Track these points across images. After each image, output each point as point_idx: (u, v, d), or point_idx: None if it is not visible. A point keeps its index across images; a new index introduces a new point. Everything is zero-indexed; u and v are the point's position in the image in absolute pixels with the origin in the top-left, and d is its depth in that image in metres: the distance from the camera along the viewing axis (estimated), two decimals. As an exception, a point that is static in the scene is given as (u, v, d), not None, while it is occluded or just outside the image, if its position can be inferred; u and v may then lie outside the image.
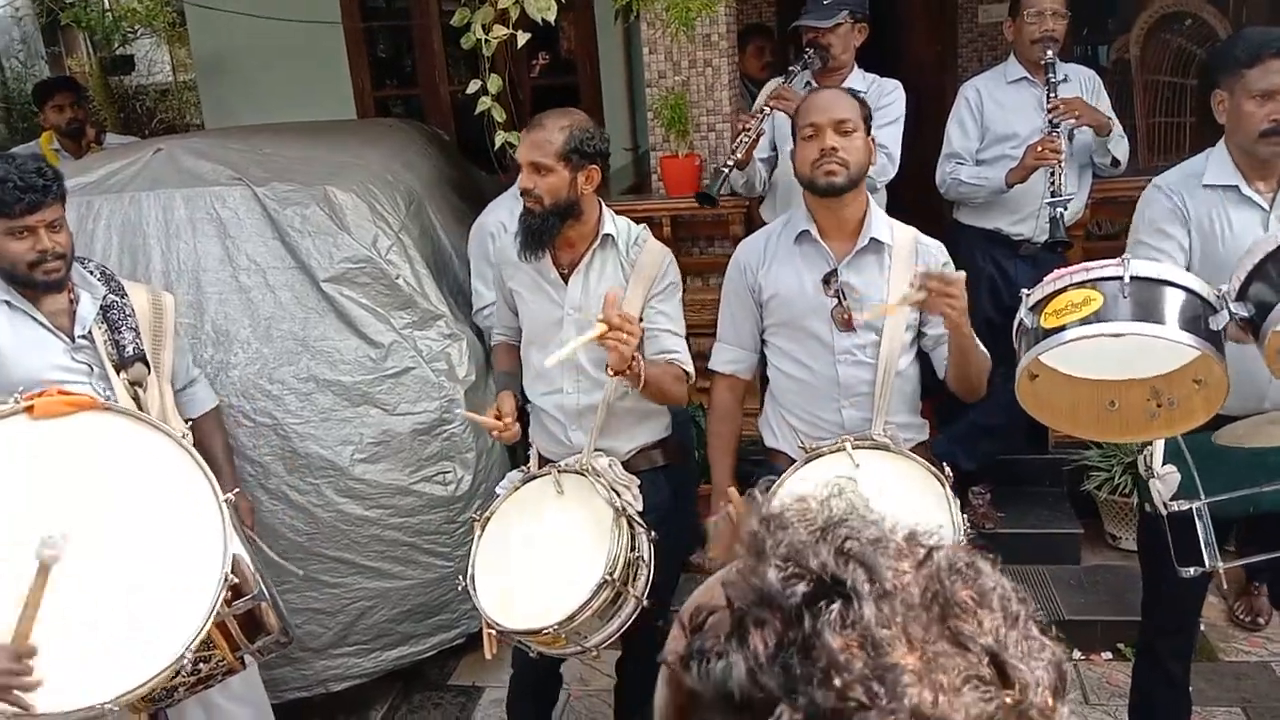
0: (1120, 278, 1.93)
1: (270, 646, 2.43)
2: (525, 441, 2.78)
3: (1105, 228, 4.21)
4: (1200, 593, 2.68)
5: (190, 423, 2.76)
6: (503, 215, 3.51)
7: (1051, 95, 3.40)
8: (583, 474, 2.53)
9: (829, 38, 3.49)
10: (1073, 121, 3.40)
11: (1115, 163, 3.55)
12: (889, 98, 3.49)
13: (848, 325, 2.46)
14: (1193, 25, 4.99)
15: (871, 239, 2.46)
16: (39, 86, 5.59)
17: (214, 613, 2.19)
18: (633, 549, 2.42)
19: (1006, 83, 3.64)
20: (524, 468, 2.72)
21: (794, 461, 2.47)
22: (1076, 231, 3.80)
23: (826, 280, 2.47)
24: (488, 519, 2.53)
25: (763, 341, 2.66)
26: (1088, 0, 5.88)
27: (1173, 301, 1.95)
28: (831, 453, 2.41)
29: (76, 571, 2.11)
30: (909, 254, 2.47)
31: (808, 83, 3.54)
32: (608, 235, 2.59)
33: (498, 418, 2.58)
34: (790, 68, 3.53)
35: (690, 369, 2.66)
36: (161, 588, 2.19)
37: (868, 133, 2.44)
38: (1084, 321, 1.93)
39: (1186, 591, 2.56)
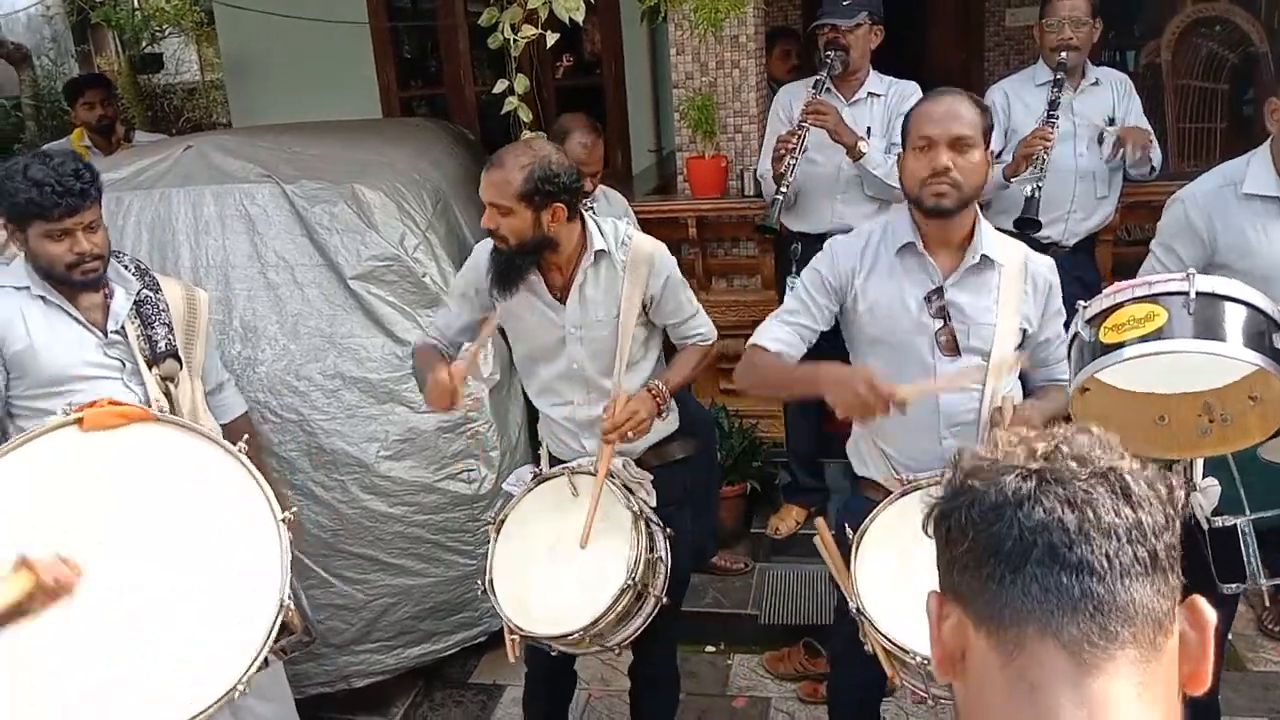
0: (1185, 293, 1.87)
1: (293, 646, 2.41)
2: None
3: (1135, 233, 4.17)
4: (1233, 605, 2.65)
5: (224, 428, 2.75)
6: None
7: (1055, 98, 3.41)
8: (592, 473, 2.50)
9: (849, 38, 3.47)
10: (1137, 152, 3.41)
11: (1153, 169, 3.53)
12: (910, 100, 3.46)
13: (953, 349, 2.27)
14: (1224, 30, 4.95)
15: (982, 255, 2.26)
16: (70, 84, 5.63)
17: (269, 643, 2.09)
18: (651, 549, 2.41)
19: (1035, 85, 3.62)
20: (534, 468, 2.69)
21: (887, 492, 2.30)
22: (1107, 236, 3.78)
23: (930, 298, 2.27)
24: (503, 521, 2.50)
25: (852, 359, 2.44)
26: (1115, 5, 5.85)
27: (1235, 318, 1.88)
28: (930, 486, 2.16)
29: (123, 593, 2.04)
30: (1019, 273, 2.29)
31: (827, 87, 3.52)
32: (600, 251, 2.50)
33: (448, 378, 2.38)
34: (817, 77, 3.49)
35: (713, 334, 2.66)
36: (213, 612, 2.09)
37: (988, 145, 2.23)
38: (1146, 338, 1.86)
39: (1219, 604, 2.52)
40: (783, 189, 3.37)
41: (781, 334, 2.38)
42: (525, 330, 2.59)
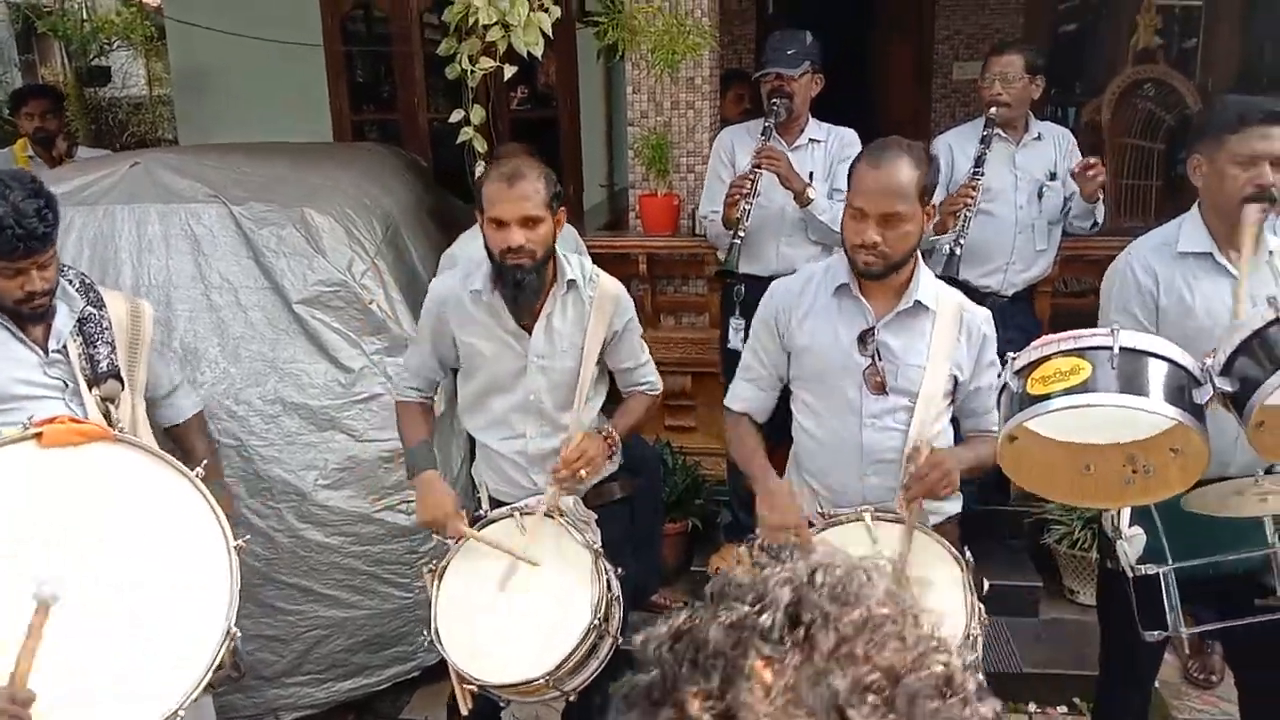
0: (1109, 348, 1.94)
1: (220, 681, 2.36)
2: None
3: (1072, 285, 4.29)
4: (1159, 653, 2.70)
5: (175, 429, 2.75)
6: (472, 247, 3.50)
7: (981, 154, 3.53)
8: (549, 515, 2.47)
9: (793, 85, 3.54)
10: (1098, 194, 3.51)
11: (1095, 225, 3.64)
12: (850, 149, 3.53)
13: (880, 388, 2.33)
14: (1161, 92, 5.13)
15: (916, 301, 2.33)
16: (15, 93, 5.53)
17: (213, 668, 2.09)
18: (609, 589, 2.39)
19: (978, 138, 3.70)
20: (468, 510, 2.65)
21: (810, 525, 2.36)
22: (1045, 287, 3.87)
23: (862, 338, 2.34)
24: (444, 569, 2.44)
25: (789, 395, 2.53)
26: (1059, 63, 6.03)
27: (1158, 373, 1.96)
28: (849, 522, 2.29)
29: (75, 611, 2.02)
30: (953, 321, 2.35)
31: (769, 130, 3.57)
32: (571, 280, 2.53)
33: (443, 517, 2.48)
34: (765, 124, 3.55)
35: (659, 385, 2.75)
36: (161, 634, 2.09)
37: (928, 201, 2.28)
38: (1070, 391, 1.93)
39: (1145, 651, 2.58)
40: (740, 232, 3.42)
41: (745, 392, 2.52)
42: (482, 361, 2.57)
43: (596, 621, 2.29)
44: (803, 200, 3.48)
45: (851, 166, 2.33)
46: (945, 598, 2.15)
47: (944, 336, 2.33)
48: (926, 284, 2.36)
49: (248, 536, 2.42)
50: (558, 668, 2.24)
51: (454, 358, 2.63)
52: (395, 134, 6.80)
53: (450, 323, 2.57)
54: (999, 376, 2.12)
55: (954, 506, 2.48)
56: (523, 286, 2.43)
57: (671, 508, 3.95)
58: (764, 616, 0.70)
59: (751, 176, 3.43)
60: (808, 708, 0.65)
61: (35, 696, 1.91)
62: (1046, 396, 1.98)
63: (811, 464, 2.45)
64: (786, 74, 3.53)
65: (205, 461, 2.40)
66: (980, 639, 2.21)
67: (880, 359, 2.32)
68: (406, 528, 3.30)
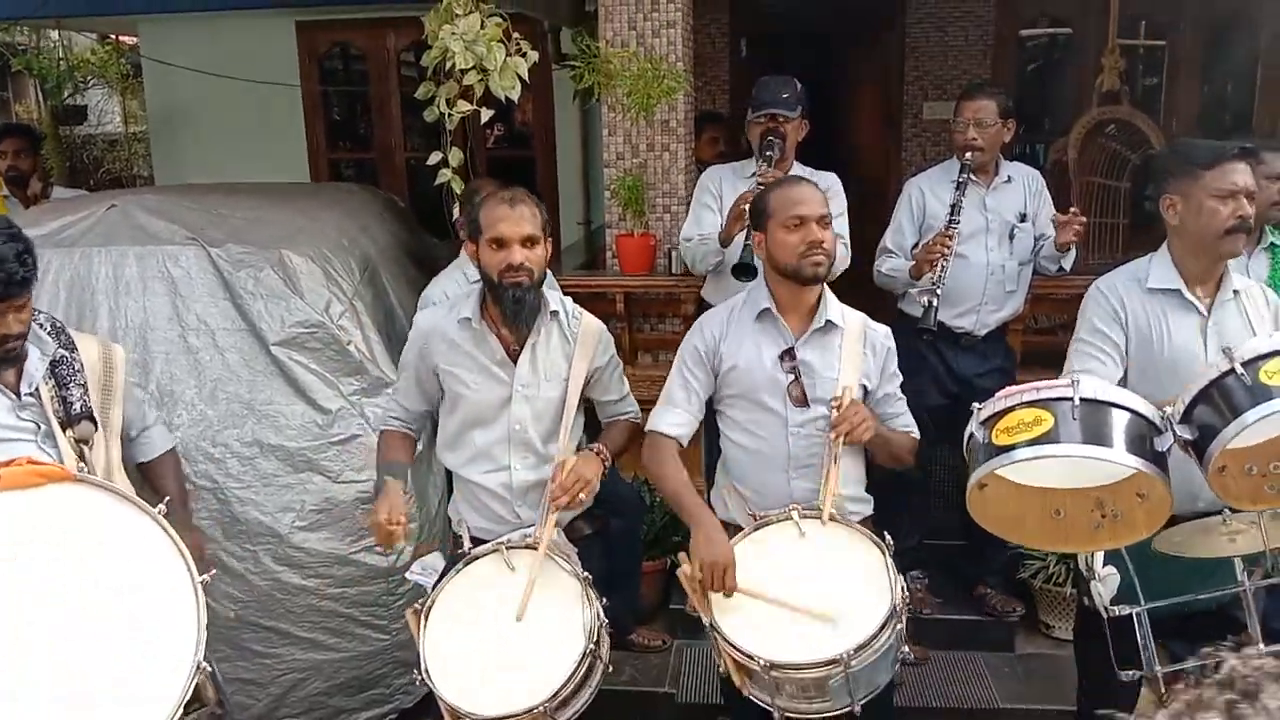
0: (1070, 399, 2.00)
1: (206, 718, 2.36)
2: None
3: (1042, 322, 4.36)
4: (1135, 689, 2.73)
5: (145, 465, 2.76)
6: (449, 287, 3.53)
7: (957, 202, 3.60)
8: (534, 548, 2.49)
9: (786, 127, 3.60)
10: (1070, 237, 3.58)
11: (1061, 270, 3.73)
12: (833, 190, 3.59)
13: (802, 401, 2.56)
14: (1126, 132, 5.24)
15: (827, 320, 2.59)
16: (-10, 131, 5.50)
17: (181, 705, 2.07)
18: (599, 615, 2.40)
19: (949, 181, 3.77)
20: (440, 556, 2.70)
21: (733, 530, 2.53)
22: (1017, 326, 3.93)
23: (783, 357, 2.58)
24: (430, 606, 2.43)
25: (716, 413, 2.72)
26: (1028, 101, 6.15)
27: (1119, 423, 2.03)
28: (779, 521, 2.49)
29: (39, 656, 2.02)
30: (859, 336, 2.63)
31: (754, 173, 3.62)
32: (554, 311, 2.64)
33: (390, 520, 2.46)
34: (755, 171, 3.57)
35: (640, 415, 2.85)
36: (128, 675, 2.07)
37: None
38: (1034, 442, 2.00)
39: (1122, 688, 2.60)
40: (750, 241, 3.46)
41: (676, 418, 2.67)
42: (465, 393, 2.61)
43: (590, 647, 2.31)
44: None
45: (764, 201, 2.61)
46: (872, 577, 2.34)
47: (852, 351, 2.60)
48: (833, 304, 2.64)
49: (214, 571, 2.41)
50: (554, 695, 2.24)
51: (436, 391, 2.68)
52: (371, 172, 6.83)
53: (434, 356, 2.63)
54: (970, 423, 2.18)
55: (868, 508, 2.69)
56: (523, 304, 2.53)
57: (650, 545, 3.95)
58: None
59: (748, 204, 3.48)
60: None
61: None
62: (1011, 447, 2.06)
63: (741, 471, 2.67)
64: (784, 115, 3.60)
65: (168, 499, 2.40)
66: (905, 610, 2.37)
67: (800, 374, 2.57)
68: (384, 569, 3.30)
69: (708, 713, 3.58)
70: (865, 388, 2.62)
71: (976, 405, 2.17)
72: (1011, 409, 2.07)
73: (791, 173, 3.69)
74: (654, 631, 3.94)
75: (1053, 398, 2.04)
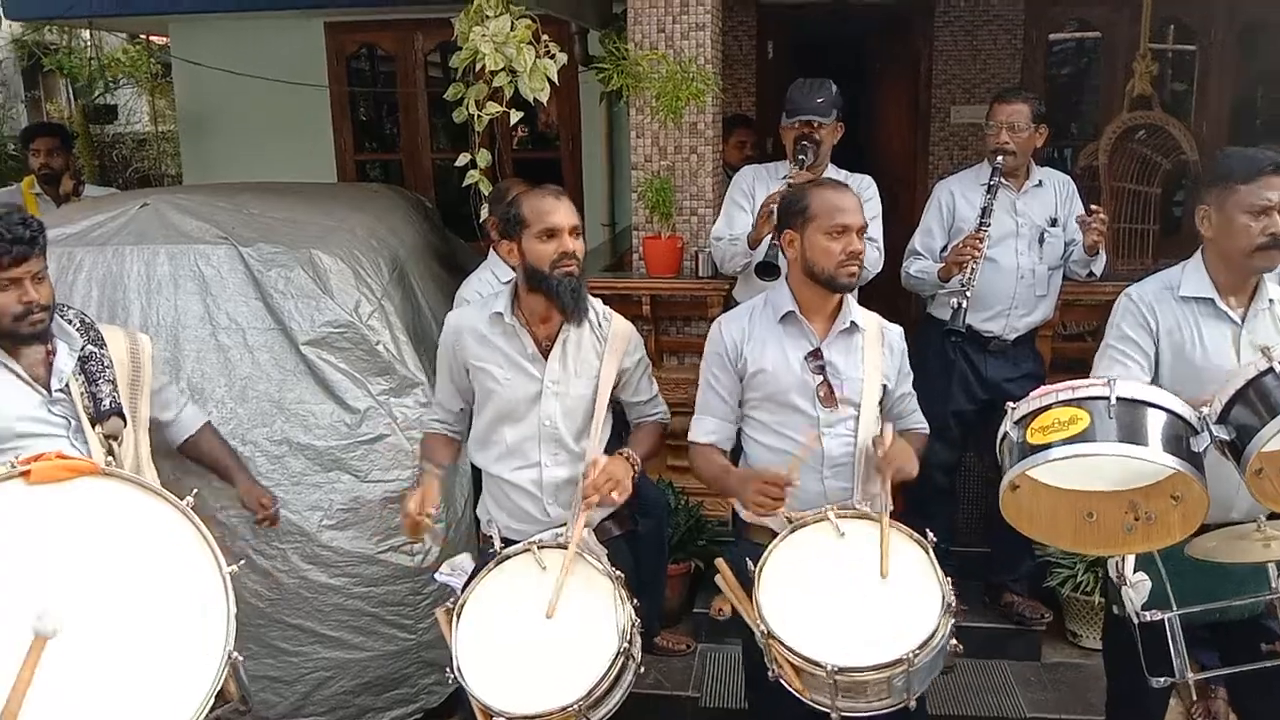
0: (1107, 398, 1.98)
1: (228, 715, 2.36)
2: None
3: (1071, 329, 4.33)
4: (1165, 698, 2.71)
5: (189, 440, 2.84)
6: (481, 288, 3.54)
7: (988, 204, 3.58)
8: (566, 548, 2.48)
9: (821, 132, 3.60)
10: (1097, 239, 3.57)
11: (1092, 275, 3.71)
12: (868, 193, 3.58)
13: (831, 401, 2.58)
14: (1157, 136, 5.19)
15: (851, 321, 2.62)
16: (25, 130, 5.57)
17: (211, 697, 2.10)
18: (633, 615, 2.40)
19: (979, 184, 3.75)
20: (469, 557, 2.69)
21: (773, 535, 2.51)
22: (1046, 332, 3.91)
23: (809, 358, 2.59)
24: (462, 606, 2.43)
25: (739, 416, 2.72)
26: (1051, 107, 6.12)
27: (1155, 423, 2.01)
28: (815, 522, 2.48)
29: (68, 647, 2.03)
30: (877, 337, 2.66)
31: (790, 179, 3.61)
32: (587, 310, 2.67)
33: (419, 511, 2.52)
34: (786, 176, 3.57)
35: (669, 417, 2.90)
36: (157, 667, 2.09)
37: None
38: (1069, 441, 1.98)
39: (1152, 697, 2.58)
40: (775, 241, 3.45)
41: (709, 426, 2.70)
42: (495, 388, 2.64)
43: (624, 645, 2.31)
44: None
45: (804, 203, 2.58)
46: (917, 574, 2.35)
47: (873, 351, 2.64)
48: (854, 305, 2.67)
49: (242, 561, 2.46)
50: (588, 694, 2.24)
51: (469, 388, 2.72)
52: (397, 173, 6.87)
53: (465, 351, 2.66)
54: (1004, 423, 2.17)
55: (890, 506, 2.65)
56: (579, 292, 2.57)
57: (674, 549, 3.95)
58: None
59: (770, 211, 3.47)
60: None
61: None
62: (1047, 446, 2.04)
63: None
64: (819, 121, 3.59)
65: (195, 490, 2.41)
66: (955, 604, 2.36)
67: (827, 375, 2.59)
68: (410, 569, 3.31)
69: (731, 717, 3.57)
70: (885, 386, 2.65)
71: (1011, 405, 2.15)
72: (1047, 408, 2.05)
73: (826, 174, 3.68)
74: (678, 635, 3.94)
75: (1089, 396, 2.02)
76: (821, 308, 2.62)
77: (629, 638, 2.33)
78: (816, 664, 2.22)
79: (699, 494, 4.19)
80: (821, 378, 2.58)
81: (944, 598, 2.29)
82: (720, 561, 2.52)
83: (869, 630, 2.26)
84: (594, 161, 6.44)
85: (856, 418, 2.59)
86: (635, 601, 2.45)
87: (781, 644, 2.28)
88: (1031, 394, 2.12)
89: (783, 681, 2.34)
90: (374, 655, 3.33)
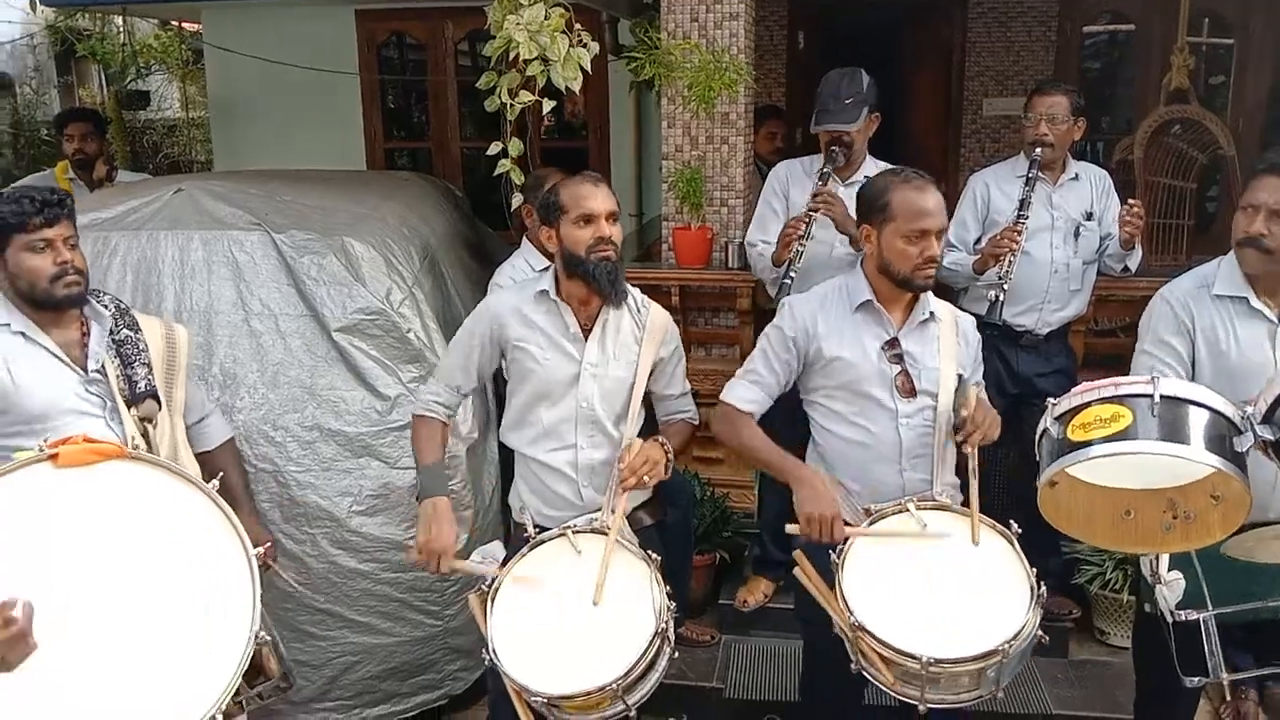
0: (1150, 395, 1.96)
1: (269, 692, 2.40)
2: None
3: (1103, 324, 4.29)
4: (1195, 698, 2.68)
5: (205, 455, 2.81)
6: (516, 275, 3.54)
7: (1025, 197, 3.55)
8: (602, 533, 2.50)
9: (852, 135, 3.56)
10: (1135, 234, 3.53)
11: (1127, 270, 3.67)
12: None
13: (910, 391, 2.57)
14: (1193, 131, 5.13)
15: (930, 312, 2.62)
16: (59, 115, 5.63)
17: (238, 678, 2.13)
18: (669, 597, 2.42)
19: (1015, 176, 3.72)
20: (501, 545, 2.70)
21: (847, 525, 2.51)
22: (1079, 327, 3.87)
23: (886, 348, 2.58)
24: (497, 589, 2.45)
25: (808, 405, 2.71)
26: (1085, 100, 6.06)
27: (1199, 421, 1.99)
28: (895, 513, 2.48)
29: (96, 630, 2.06)
30: (952, 327, 2.65)
31: (820, 169, 3.59)
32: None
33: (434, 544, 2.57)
34: (823, 169, 3.56)
35: (698, 417, 2.89)
36: (184, 649, 2.12)
37: None
38: (1111, 438, 1.97)
39: (1182, 697, 2.56)
40: (790, 273, 3.42)
41: (751, 394, 2.68)
42: (535, 368, 2.64)
43: (661, 626, 2.32)
44: (858, 244, 3.49)
45: (885, 197, 2.53)
46: (1003, 564, 2.35)
47: (948, 340, 2.62)
48: (930, 296, 2.66)
49: (269, 543, 2.46)
50: (626, 673, 2.25)
51: (490, 370, 2.73)
52: (425, 161, 6.88)
53: (507, 330, 2.65)
54: (1043, 418, 2.16)
55: (960, 496, 2.66)
56: (616, 276, 2.58)
57: (699, 540, 3.95)
58: None
59: (806, 219, 3.45)
60: None
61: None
62: (1087, 443, 2.02)
63: (846, 466, 2.64)
64: (845, 130, 3.55)
65: (221, 474, 2.46)
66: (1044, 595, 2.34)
67: (905, 365, 2.58)
68: (438, 556, 3.32)
69: (755, 709, 3.57)
70: (960, 375, 2.63)
71: (1051, 400, 2.14)
72: (1088, 405, 2.04)
73: (864, 168, 3.65)
74: (702, 626, 3.94)
75: (1131, 394, 2.01)
76: (898, 298, 2.61)
77: (665, 619, 2.34)
78: (911, 656, 2.22)
79: (725, 485, 4.20)
80: (899, 367, 2.57)
81: (1033, 588, 2.29)
82: (799, 554, 2.53)
83: (957, 622, 2.26)
84: (622, 151, 6.43)
85: (934, 408, 2.58)
86: (669, 586, 2.46)
87: (873, 636, 2.27)
88: (1073, 390, 2.10)
89: (867, 674, 2.34)
90: (401, 641, 3.35)
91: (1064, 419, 2.07)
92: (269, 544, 2.87)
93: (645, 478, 2.55)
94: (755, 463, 2.76)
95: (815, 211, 3.47)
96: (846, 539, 2.41)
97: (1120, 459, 1.99)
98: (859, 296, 2.60)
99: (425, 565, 2.59)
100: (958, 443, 2.52)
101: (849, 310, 2.61)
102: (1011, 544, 2.37)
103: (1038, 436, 2.15)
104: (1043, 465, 2.11)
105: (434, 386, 2.77)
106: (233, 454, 2.99)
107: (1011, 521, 2.43)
